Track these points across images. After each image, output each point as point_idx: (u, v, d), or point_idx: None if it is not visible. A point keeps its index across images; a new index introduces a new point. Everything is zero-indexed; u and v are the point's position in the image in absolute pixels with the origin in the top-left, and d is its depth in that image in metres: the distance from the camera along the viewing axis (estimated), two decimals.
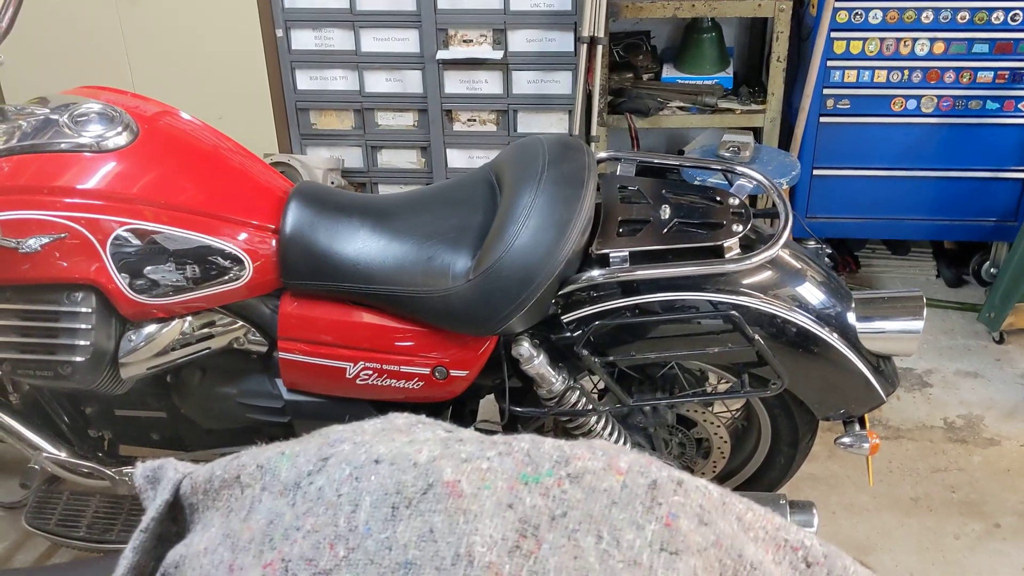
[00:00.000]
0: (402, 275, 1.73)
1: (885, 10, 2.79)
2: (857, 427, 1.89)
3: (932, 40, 2.82)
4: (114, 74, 3.15)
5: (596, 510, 0.65)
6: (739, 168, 1.90)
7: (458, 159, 3.19)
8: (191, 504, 0.80)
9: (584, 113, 2.94)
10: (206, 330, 1.83)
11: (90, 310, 1.73)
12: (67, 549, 2.12)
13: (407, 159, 3.25)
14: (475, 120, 3.14)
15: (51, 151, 1.71)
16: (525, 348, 1.76)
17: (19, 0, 1.85)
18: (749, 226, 1.74)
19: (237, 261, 1.75)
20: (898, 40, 2.83)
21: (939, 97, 2.89)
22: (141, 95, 1.94)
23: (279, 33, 3.08)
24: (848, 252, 3.35)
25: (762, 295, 1.74)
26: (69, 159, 1.71)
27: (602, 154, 1.97)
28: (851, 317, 1.80)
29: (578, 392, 1.83)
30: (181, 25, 3.10)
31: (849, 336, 1.79)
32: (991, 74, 2.85)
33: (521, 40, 3.00)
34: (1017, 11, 2.75)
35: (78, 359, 1.73)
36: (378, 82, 3.12)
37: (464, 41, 3.03)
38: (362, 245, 1.76)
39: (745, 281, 1.75)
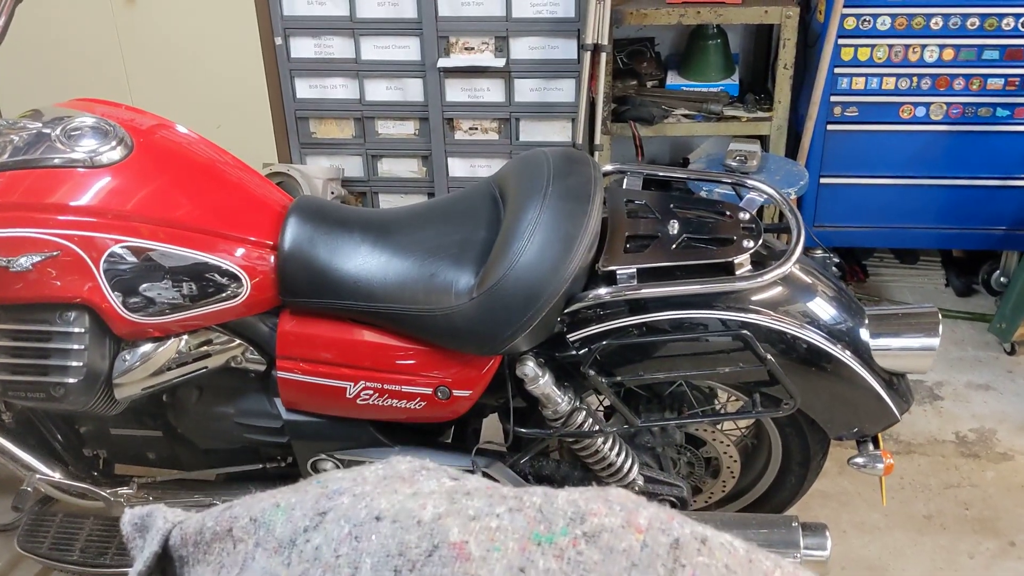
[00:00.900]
0: (404, 292, 1.69)
1: (894, 16, 2.75)
2: (870, 447, 1.85)
3: (941, 47, 2.77)
4: (111, 83, 3.10)
5: (615, 573, 0.61)
6: (749, 181, 1.86)
7: (460, 168, 3.14)
8: (180, 556, 0.75)
9: (587, 121, 2.90)
10: (203, 349, 1.79)
11: (83, 330, 1.68)
12: (60, 573, 2.07)
13: (408, 168, 3.20)
14: (477, 128, 3.09)
15: (43, 167, 1.67)
16: (530, 368, 1.71)
17: (11, 10, 1.81)
18: (760, 242, 1.69)
19: (234, 278, 1.71)
20: (907, 47, 2.78)
21: (948, 104, 2.85)
22: (136, 108, 1.89)
23: (278, 41, 3.03)
24: (856, 261, 3.30)
25: (772, 312, 1.70)
26: (61, 175, 1.66)
27: (608, 167, 1.93)
28: (864, 334, 1.75)
29: (584, 412, 1.78)
30: (179, 33, 3.06)
31: (862, 353, 1.74)
32: (1001, 81, 2.80)
33: (523, 47, 2.96)
34: None
35: (71, 380, 1.68)
36: (379, 90, 3.08)
37: (466, 49, 2.99)
38: (363, 261, 1.72)
39: (755, 298, 1.70)
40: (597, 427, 1.80)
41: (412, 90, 3.06)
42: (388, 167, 3.21)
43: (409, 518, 0.64)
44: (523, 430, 1.81)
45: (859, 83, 2.85)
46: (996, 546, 2.24)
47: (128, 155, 1.71)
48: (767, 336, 1.69)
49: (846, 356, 1.72)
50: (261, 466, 1.99)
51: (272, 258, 1.73)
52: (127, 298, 1.67)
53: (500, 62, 2.95)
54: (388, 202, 3.24)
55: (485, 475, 1.82)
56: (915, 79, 2.82)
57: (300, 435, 1.87)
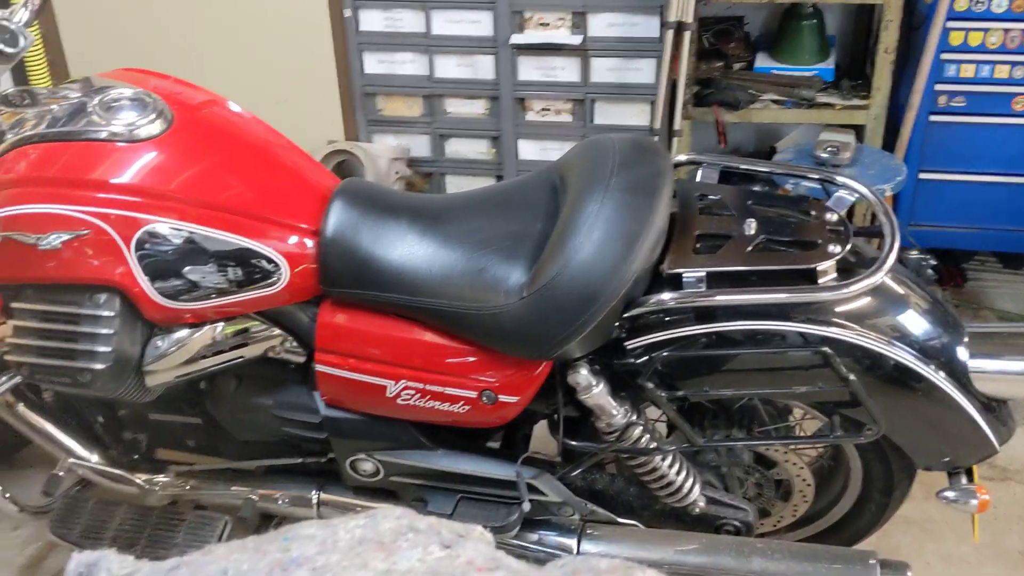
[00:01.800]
0: (449, 288, 1.56)
1: None
2: (963, 479, 1.66)
3: None
4: (180, 55, 3.05)
5: None
6: (840, 178, 1.68)
7: (530, 151, 3.02)
8: None
9: (667, 104, 2.76)
10: (239, 338, 1.69)
11: (113, 313, 1.59)
12: None
13: (476, 149, 3.08)
14: (549, 110, 2.96)
15: (77, 139, 1.58)
16: (583, 376, 1.57)
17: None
18: (849, 247, 1.51)
19: (273, 264, 1.60)
20: None
21: None
22: (186, 81, 1.79)
23: (347, 13, 2.94)
24: (954, 264, 3.08)
25: (858, 326, 1.52)
26: (95, 148, 1.57)
27: (681, 157, 1.77)
28: (962, 353, 1.56)
29: (641, 427, 1.63)
30: (247, 4, 2.98)
31: (958, 376, 1.56)
32: None
33: (602, 24, 2.82)
34: None
35: (99, 366, 1.60)
36: (448, 67, 2.96)
37: (540, 24, 2.85)
38: (408, 251, 1.59)
39: (839, 309, 1.53)
40: (655, 444, 1.65)
41: (483, 67, 2.94)
42: (456, 147, 3.10)
43: None
44: (573, 442, 1.68)
45: (968, 71, 2.65)
46: None
47: (167, 129, 1.61)
48: (850, 352, 1.52)
49: (939, 378, 1.54)
50: (300, 460, 1.90)
51: (314, 245, 1.62)
52: (159, 282, 1.57)
53: (577, 39, 2.81)
54: (455, 184, 3.12)
55: (530, 488, 1.69)
56: None
57: (339, 432, 1.76)
